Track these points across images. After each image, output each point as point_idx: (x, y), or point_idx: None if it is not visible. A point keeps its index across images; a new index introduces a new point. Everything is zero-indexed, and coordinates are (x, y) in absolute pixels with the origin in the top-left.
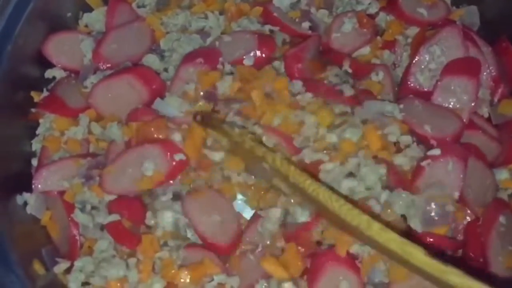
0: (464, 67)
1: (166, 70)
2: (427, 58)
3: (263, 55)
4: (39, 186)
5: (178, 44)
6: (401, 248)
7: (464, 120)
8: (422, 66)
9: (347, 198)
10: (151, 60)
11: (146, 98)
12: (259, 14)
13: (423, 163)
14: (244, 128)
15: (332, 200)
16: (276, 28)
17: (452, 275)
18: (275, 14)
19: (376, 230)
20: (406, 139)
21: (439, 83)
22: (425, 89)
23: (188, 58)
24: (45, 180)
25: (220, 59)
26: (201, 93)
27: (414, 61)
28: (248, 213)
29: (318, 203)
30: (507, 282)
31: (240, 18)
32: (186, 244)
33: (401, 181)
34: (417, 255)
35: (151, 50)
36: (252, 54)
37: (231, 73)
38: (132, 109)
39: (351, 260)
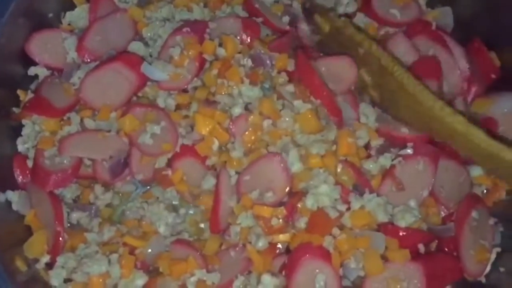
0: (422, 69)
1: (151, 55)
2: None
3: (248, 38)
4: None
5: (164, 30)
6: (467, 128)
7: None
8: None
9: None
10: (136, 47)
11: (135, 82)
12: (241, 2)
13: (395, 161)
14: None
15: (414, 84)
16: (259, 20)
17: (508, 152)
18: (256, 5)
19: (447, 112)
20: (377, 143)
21: None
22: None
23: (176, 29)
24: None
25: (208, 30)
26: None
27: None
28: None
29: (400, 85)
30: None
31: (222, 5)
32: (174, 240)
33: (367, 183)
34: (479, 135)
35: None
36: (238, 38)
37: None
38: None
39: (327, 253)
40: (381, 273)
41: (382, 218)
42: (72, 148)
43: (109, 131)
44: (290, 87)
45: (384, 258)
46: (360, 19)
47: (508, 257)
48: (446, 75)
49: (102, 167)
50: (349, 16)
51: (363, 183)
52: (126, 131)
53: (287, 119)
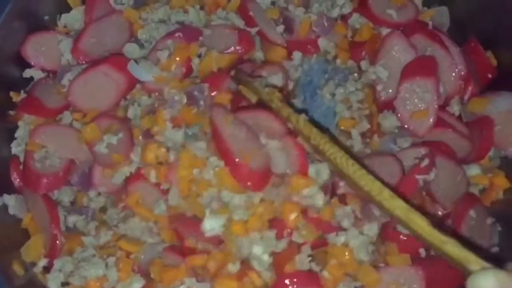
0: (419, 68)
1: (144, 57)
2: (382, 72)
3: (243, 50)
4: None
5: (158, 33)
6: (406, 215)
7: (431, 120)
8: (380, 78)
9: (362, 164)
10: (131, 49)
11: (123, 85)
12: (236, 8)
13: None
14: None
15: (348, 164)
16: (254, 30)
17: (449, 245)
18: (250, 13)
19: (385, 197)
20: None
21: (399, 88)
22: (386, 98)
23: (169, 32)
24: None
25: (201, 38)
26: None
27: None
28: None
29: (335, 165)
30: None
31: (218, 9)
32: (167, 246)
33: (336, 228)
34: (420, 224)
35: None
36: (231, 49)
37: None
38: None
39: (316, 279)
40: (380, 282)
41: (363, 256)
42: (43, 136)
43: None
44: (202, 144)
45: (385, 263)
46: (356, 19)
47: (506, 256)
48: (443, 74)
49: (74, 176)
50: (344, 17)
51: (331, 231)
52: (87, 139)
53: (210, 171)
